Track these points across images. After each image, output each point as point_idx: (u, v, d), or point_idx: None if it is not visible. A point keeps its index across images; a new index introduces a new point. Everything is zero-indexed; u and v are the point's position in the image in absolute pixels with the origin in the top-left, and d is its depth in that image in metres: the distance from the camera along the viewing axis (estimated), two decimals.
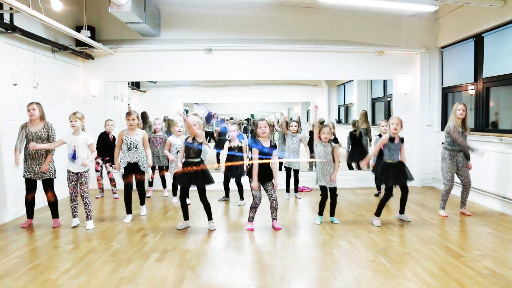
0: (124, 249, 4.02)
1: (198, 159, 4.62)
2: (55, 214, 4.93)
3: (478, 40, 6.25)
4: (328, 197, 4.96)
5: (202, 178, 4.58)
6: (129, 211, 5.15)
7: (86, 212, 4.87)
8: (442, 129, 7.01)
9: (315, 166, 5.07)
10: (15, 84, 5.31)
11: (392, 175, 4.86)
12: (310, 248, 4.06)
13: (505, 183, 5.39)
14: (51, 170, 4.82)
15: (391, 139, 4.89)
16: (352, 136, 7.36)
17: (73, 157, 4.73)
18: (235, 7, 7.29)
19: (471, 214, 5.26)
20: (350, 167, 7.67)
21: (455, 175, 5.25)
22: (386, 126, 6.23)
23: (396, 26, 7.48)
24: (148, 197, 6.61)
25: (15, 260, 3.73)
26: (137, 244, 4.18)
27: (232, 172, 6.02)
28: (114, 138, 6.45)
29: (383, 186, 5.15)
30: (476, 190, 5.98)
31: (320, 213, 5.01)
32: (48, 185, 4.82)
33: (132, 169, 5.07)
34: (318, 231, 4.65)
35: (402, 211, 5.07)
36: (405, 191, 5.00)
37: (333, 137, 6.11)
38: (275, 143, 4.68)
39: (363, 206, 5.91)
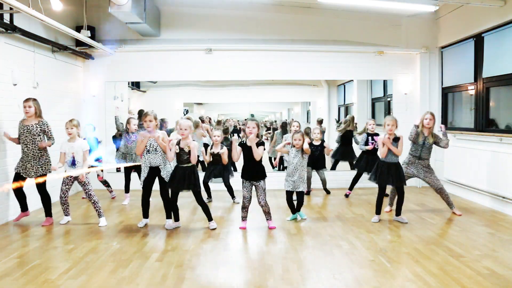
0: (124, 249, 4.02)
1: (191, 164, 4.58)
2: (49, 212, 4.98)
3: (478, 40, 6.25)
4: None
5: (195, 183, 4.58)
6: (145, 215, 4.90)
7: (96, 210, 4.94)
8: None
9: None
10: (15, 84, 5.31)
11: (385, 175, 4.90)
12: (310, 248, 4.07)
13: (505, 183, 5.38)
14: (46, 166, 4.85)
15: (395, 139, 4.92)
16: (343, 134, 7.34)
17: (73, 163, 4.83)
18: (235, 7, 7.28)
19: (461, 214, 5.26)
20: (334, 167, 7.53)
21: (424, 182, 5.31)
22: (373, 125, 6.30)
23: (396, 26, 7.47)
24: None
25: (15, 260, 3.73)
26: (137, 244, 4.18)
27: (210, 176, 6.01)
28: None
29: (389, 187, 5.17)
30: (476, 190, 5.98)
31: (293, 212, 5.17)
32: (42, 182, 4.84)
33: (153, 174, 4.74)
34: (318, 231, 4.65)
35: (398, 213, 5.04)
36: (401, 193, 4.98)
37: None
38: (262, 141, 4.66)
39: (363, 206, 5.91)
